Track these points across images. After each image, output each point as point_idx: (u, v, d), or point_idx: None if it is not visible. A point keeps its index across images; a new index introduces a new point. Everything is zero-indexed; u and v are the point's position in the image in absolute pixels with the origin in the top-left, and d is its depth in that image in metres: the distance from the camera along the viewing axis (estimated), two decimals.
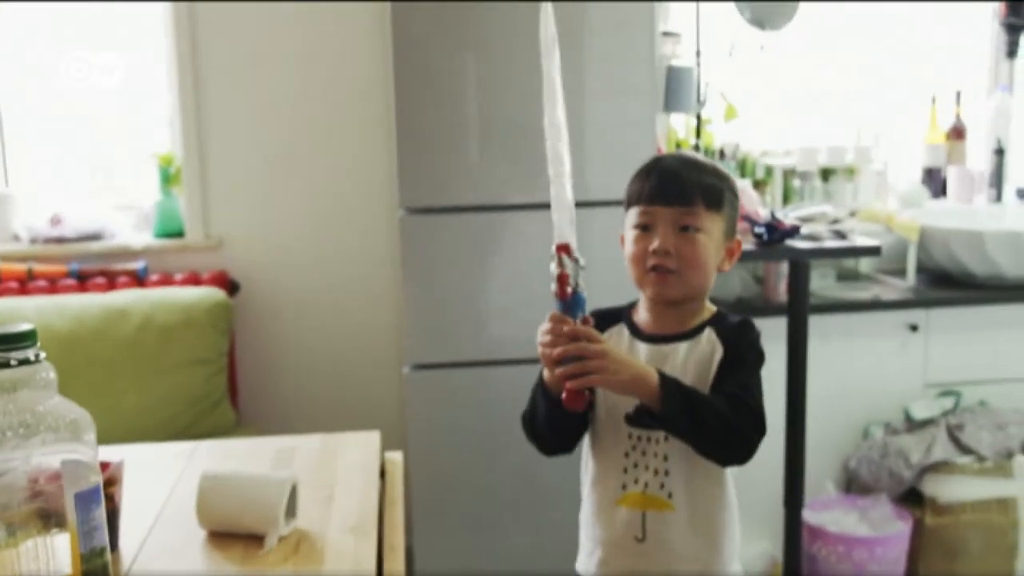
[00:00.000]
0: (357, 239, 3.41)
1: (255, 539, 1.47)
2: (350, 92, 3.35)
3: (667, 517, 1.54)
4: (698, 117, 3.41)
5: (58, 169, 3.48)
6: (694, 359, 1.53)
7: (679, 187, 1.54)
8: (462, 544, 2.97)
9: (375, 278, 3.41)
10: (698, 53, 3.33)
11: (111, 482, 1.41)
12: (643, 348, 1.57)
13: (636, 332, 1.60)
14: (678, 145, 3.54)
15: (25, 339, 1.15)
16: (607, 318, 1.63)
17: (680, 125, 3.59)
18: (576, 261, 1.44)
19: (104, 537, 1.19)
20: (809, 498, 3.03)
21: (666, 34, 3.29)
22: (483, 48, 2.81)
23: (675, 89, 3.24)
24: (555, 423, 1.54)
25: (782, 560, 2.96)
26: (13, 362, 1.14)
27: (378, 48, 3.28)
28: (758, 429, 1.48)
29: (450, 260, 2.88)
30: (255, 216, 3.38)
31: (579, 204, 2.82)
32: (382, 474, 1.86)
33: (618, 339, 1.60)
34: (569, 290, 1.44)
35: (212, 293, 3.15)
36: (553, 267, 1.44)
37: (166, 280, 3.25)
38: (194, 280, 3.25)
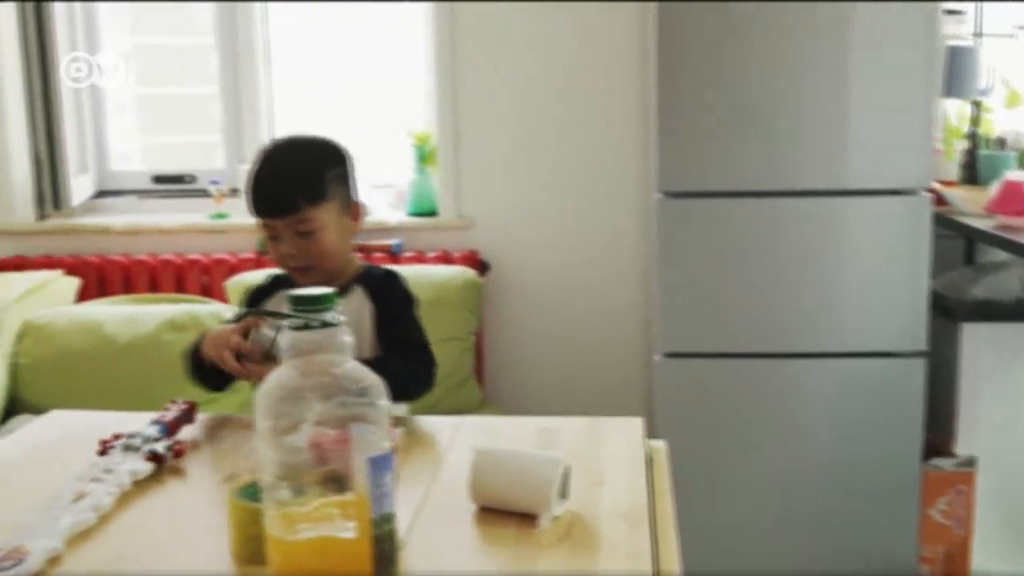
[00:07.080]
0: (606, 222, 3.37)
1: (525, 518, 1.44)
2: (604, 75, 3.32)
3: None
4: (977, 104, 3.17)
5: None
6: (347, 319, 1.47)
7: (280, 198, 1.69)
8: (728, 544, 2.87)
9: (623, 262, 3.36)
10: (979, 33, 3.10)
11: (392, 450, 1.41)
12: None
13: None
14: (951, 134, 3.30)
15: (325, 301, 1.16)
16: (280, 284, 1.85)
17: (953, 111, 3.35)
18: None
19: (392, 503, 1.18)
20: None
21: (949, 12, 3.07)
22: (746, 34, 2.70)
23: (956, 72, 3.02)
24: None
25: None
26: (314, 324, 1.14)
27: (635, 32, 3.22)
28: (426, 362, 1.85)
29: (707, 246, 2.79)
30: (506, 196, 3.40)
31: (838, 193, 2.71)
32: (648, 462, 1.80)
33: (279, 304, 1.73)
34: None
35: (463, 272, 3.18)
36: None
37: (419, 258, 3.31)
38: (446, 259, 3.30)
